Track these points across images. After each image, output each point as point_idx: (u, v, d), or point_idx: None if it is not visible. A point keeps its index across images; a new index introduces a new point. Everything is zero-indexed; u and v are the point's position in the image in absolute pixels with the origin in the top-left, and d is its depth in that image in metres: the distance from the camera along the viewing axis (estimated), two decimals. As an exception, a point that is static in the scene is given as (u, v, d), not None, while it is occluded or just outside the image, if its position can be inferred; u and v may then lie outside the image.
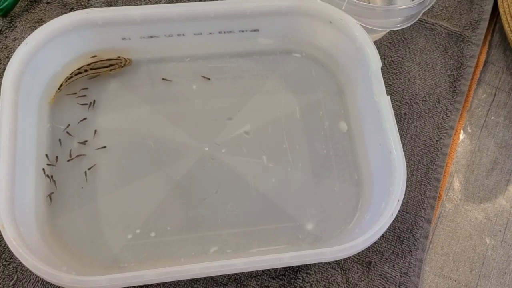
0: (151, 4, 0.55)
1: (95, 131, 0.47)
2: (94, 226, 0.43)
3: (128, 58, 0.49)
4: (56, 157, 0.45)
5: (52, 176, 0.44)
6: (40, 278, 0.42)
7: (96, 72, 0.48)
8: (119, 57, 0.49)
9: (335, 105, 0.50)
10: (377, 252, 0.46)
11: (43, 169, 0.44)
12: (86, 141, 0.46)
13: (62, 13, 0.48)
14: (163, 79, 0.49)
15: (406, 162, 0.43)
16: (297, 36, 0.51)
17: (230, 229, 0.44)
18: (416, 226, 0.47)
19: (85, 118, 0.47)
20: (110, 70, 0.48)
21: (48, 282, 0.42)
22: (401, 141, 0.43)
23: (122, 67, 0.48)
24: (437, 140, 0.51)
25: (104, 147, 0.46)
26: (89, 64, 0.48)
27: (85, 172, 0.45)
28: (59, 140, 0.46)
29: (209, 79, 0.50)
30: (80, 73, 0.47)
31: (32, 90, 0.44)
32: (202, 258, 0.43)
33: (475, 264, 0.48)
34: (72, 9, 0.53)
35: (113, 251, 0.43)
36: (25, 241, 0.38)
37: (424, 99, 0.53)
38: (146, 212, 0.44)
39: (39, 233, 0.41)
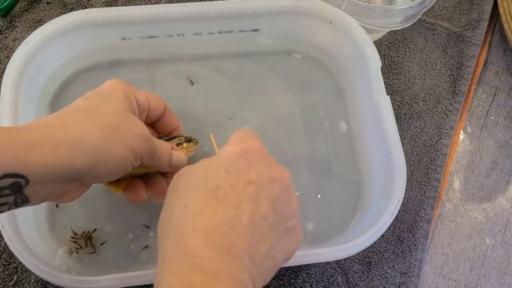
0: (151, 4, 0.55)
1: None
2: (94, 226, 0.43)
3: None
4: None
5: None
6: (40, 278, 0.42)
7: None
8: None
9: (335, 105, 0.50)
10: (377, 252, 0.46)
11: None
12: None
13: (62, 13, 0.48)
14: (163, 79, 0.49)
15: (406, 162, 0.43)
16: (297, 36, 0.51)
17: (230, 229, 0.44)
18: (416, 226, 0.47)
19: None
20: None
21: (48, 282, 0.42)
22: (401, 141, 0.43)
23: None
24: (437, 140, 0.51)
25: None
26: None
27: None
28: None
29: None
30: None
31: (32, 90, 0.44)
32: (202, 258, 0.43)
33: (475, 264, 0.48)
34: (72, 9, 0.53)
35: (113, 251, 0.43)
36: (25, 241, 0.38)
37: (424, 99, 0.53)
38: (146, 212, 0.44)
39: (39, 233, 0.41)
